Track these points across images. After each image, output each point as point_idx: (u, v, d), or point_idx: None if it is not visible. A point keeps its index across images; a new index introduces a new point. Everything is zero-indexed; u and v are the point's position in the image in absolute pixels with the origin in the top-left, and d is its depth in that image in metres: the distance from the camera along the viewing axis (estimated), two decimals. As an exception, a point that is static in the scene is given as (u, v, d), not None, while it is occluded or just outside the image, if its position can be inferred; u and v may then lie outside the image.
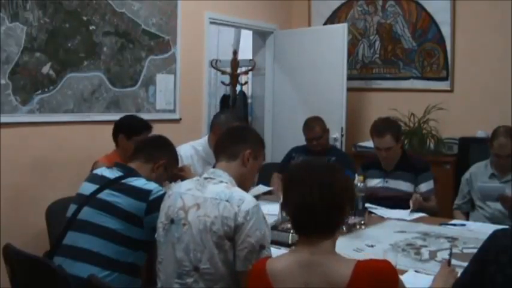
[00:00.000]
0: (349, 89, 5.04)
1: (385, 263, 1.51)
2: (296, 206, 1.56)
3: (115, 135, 3.17)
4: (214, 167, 2.13)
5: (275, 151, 5.28)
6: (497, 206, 3.17)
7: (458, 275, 1.94)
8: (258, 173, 2.50)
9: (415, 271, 2.11)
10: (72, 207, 2.34)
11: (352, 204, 1.68)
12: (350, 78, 5.15)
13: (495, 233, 1.69)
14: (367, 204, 3.02)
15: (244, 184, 2.08)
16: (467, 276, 1.74)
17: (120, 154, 3.09)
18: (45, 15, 3.49)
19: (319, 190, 1.52)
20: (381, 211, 3.20)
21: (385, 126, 3.36)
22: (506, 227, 2.63)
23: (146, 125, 3.17)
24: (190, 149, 3.23)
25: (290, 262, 1.54)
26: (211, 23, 4.84)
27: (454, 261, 2.05)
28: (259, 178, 3.61)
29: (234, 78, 5.70)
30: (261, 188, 3.50)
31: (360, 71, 5.41)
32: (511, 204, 3.06)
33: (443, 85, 4.90)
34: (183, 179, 2.62)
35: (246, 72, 5.88)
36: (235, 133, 2.19)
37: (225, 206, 1.86)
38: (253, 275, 1.62)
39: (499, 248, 1.63)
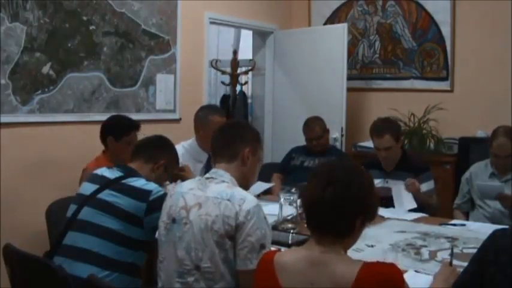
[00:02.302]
0: (349, 89, 5.03)
1: (392, 267, 1.49)
2: (307, 202, 1.55)
3: (103, 138, 3.10)
4: (210, 167, 2.13)
5: (275, 151, 5.28)
6: (497, 205, 3.17)
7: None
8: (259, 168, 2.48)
9: (415, 271, 2.11)
10: (72, 207, 2.34)
11: (371, 210, 1.56)
12: (350, 78, 5.14)
13: (494, 233, 1.69)
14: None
15: (246, 182, 2.08)
16: (467, 276, 1.74)
17: (110, 157, 3.03)
18: (45, 15, 3.49)
19: (333, 189, 1.49)
20: (381, 211, 3.19)
21: (384, 126, 3.36)
22: (506, 226, 2.63)
23: (134, 124, 3.12)
24: (181, 148, 3.21)
25: (299, 258, 1.53)
26: (211, 23, 4.84)
27: (454, 261, 2.05)
28: (259, 178, 3.60)
29: (234, 78, 5.70)
30: (261, 186, 3.49)
31: (360, 71, 5.41)
32: (511, 203, 3.06)
33: (443, 85, 4.90)
34: (183, 179, 2.62)
35: (246, 72, 5.88)
36: (230, 132, 2.12)
37: (226, 205, 1.86)
38: (261, 266, 1.62)
39: (499, 247, 1.63)
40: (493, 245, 1.66)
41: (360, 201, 1.52)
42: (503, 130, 3.14)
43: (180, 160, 2.83)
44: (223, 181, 1.97)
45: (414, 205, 3.20)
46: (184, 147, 3.32)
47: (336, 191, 1.49)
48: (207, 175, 2.04)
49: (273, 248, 1.90)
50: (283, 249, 2.18)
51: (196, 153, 3.32)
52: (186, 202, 1.95)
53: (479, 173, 3.33)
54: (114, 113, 3.57)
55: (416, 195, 3.23)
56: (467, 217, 3.36)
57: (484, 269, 1.65)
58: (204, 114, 3.32)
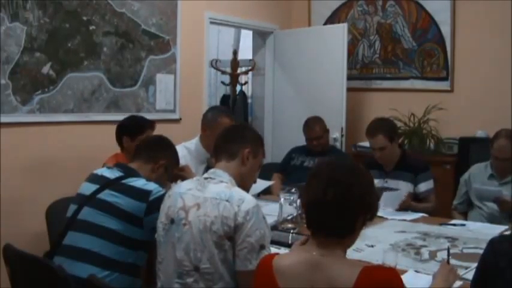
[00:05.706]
0: (349, 89, 5.03)
1: (391, 272, 1.49)
2: (308, 202, 1.54)
3: (119, 138, 3.11)
4: (211, 166, 2.13)
5: (275, 151, 5.28)
6: (495, 206, 3.16)
7: (457, 272, 1.95)
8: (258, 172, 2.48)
9: (415, 271, 2.11)
10: (72, 207, 2.35)
11: (371, 209, 1.56)
12: (350, 78, 5.15)
13: (491, 241, 1.68)
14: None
15: (244, 183, 2.07)
16: (472, 286, 1.73)
17: (127, 156, 3.02)
18: (45, 15, 3.49)
19: (334, 189, 1.47)
20: (381, 211, 3.19)
21: (377, 127, 3.35)
22: (503, 227, 2.63)
23: (148, 123, 3.14)
24: (183, 149, 3.19)
25: (298, 260, 1.52)
26: (211, 23, 4.84)
27: (454, 261, 2.06)
28: (259, 178, 3.59)
29: (234, 78, 5.70)
30: (261, 185, 3.48)
31: (360, 71, 5.41)
32: (508, 207, 3.05)
33: (443, 85, 4.90)
34: (183, 179, 2.62)
35: (246, 72, 5.88)
36: (233, 132, 2.17)
37: (225, 205, 1.86)
38: (260, 270, 1.62)
39: (497, 253, 1.61)
40: (492, 251, 1.64)
41: (361, 201, 1.51)
42: (505, 133, 3.12)
43: (182, 161, 2.83)
44: (222, 181, 1.97)
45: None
46: (187, 147, 3.28)
47: (337, 192, 1.48)
48: (206, 175, 2.04)
49: (272, 249, 1.90)
50: (282, 249, 2.19)
51: (199, 154, 3.28)
52: (185, 203, 1.95)
53: (478, 174, 3.32)
54: (114, 113, 3.58)
55: (409, 208, 3.24)
56: (465, 217, 3.35)
57: (484, 276, 1.64)
58: (212, 115, 3.28)
